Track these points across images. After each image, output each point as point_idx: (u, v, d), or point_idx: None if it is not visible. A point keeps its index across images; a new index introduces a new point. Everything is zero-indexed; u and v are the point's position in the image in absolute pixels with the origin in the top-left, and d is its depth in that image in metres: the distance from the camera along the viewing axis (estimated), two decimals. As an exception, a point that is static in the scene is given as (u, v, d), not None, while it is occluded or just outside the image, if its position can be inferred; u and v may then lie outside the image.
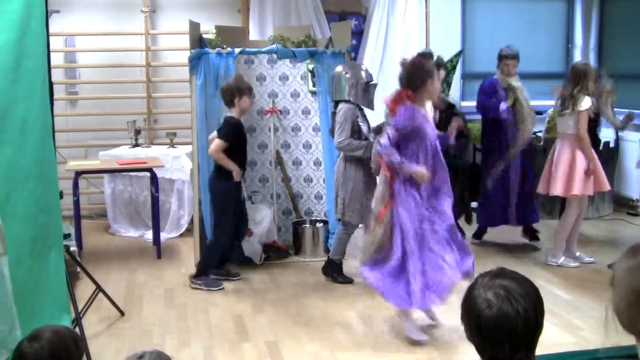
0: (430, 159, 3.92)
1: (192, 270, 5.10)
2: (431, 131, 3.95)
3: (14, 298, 2.80)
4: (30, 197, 3.13)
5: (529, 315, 1.52)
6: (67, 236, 4.63)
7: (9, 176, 2.99)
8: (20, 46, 3.07)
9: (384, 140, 3.90)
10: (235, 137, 4.84)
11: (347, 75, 4.89)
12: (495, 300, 1.53)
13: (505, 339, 1.51)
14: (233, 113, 4.86)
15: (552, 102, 5.57)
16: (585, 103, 4.97)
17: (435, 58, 4.92)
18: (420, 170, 3.84)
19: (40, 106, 3.28)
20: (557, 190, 5.10)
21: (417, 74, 3.93)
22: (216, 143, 4.79)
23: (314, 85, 5.83)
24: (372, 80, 5.00)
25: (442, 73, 4.86)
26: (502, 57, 5.60)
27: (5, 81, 2.99)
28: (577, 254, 5.36)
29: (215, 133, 4.92)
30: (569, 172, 5.05)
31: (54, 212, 3.44)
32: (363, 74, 4.97)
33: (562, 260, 5.26)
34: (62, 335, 2.09)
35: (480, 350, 1.57)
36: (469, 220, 6.05)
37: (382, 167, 4.02)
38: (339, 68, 4.99)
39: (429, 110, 4.09)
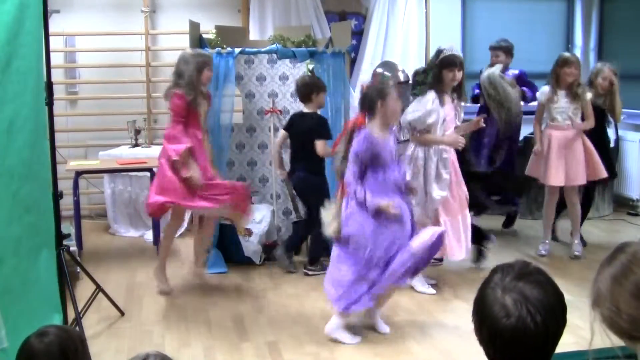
0: (388, 186, 3.88)
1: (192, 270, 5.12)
2: (390, 157, 3.90)
3: None
4: (15, 198, 3.12)
5: (549, 328, 1.39)
6: (67, 236, 4.62)
7: None
8: (11, 47, 3.06)
9: (347, 177, 3.86)
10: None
11: (389, 75, 5.18)
12: (513, 309, 1.38)
13: (520, 352, 1.39)
14: (309, 109, 5.05)
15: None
16: (538, 93, 5.44)
17: (457, 57, 4.71)
18: (384, 202, 3.78)
19: (32, 107, 3.26)
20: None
21: (367, 98, 3.93)
22: (324, 144, 4.94)
23: (314, 85, 5.83)
24: (408, 80, 5.28)
25: (459, 75, 4.67)
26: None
27: None
28: (575, 242, 5.60)
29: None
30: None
31: (44, 211, 3.43)
32: (400, 74, 5.24)
33: (544, 248, 5.59)
34: (70, 332, 2.09)
35: (489, 356, 1.45)
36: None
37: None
38: (379, 69, 5.15)
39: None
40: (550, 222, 5.64)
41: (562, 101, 5.27)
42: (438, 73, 4.63)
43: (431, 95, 4.60)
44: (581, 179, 5.34)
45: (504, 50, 6.00)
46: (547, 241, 5.59)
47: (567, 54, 5.40)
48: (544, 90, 5.34)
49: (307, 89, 5.03)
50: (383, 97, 3.87)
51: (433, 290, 4.70)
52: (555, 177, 5.29)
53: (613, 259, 1.45)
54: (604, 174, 5.39)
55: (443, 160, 4.63)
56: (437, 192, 4.58)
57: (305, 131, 5.02)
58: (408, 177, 4.43)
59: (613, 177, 6.09)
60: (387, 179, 3.88)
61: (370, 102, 3.89)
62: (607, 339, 1.43)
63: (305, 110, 5.09)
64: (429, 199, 4.59)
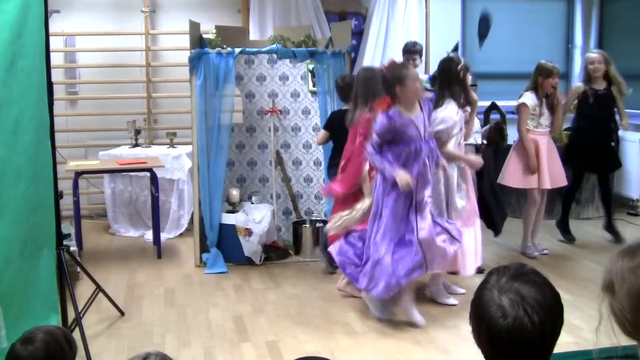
0: (414, 163, 4.02)
1: (192, 269, 5.09)
2: (416, 134, 4.01)
3: (1, 297, 2.80)
4: (22, 198, 3.13)
5: (546, 328, 1.39)
6: (67, 236, 4.62)
7: None
8: (15, 46, 3.06)
9: (368, 147, 4.06)
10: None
11: None
12: (510, 310, 1.39)
13: (517, 352, 1.40)
14: (349, 106, 4.93)
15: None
16: (523, 98, 5.34)
17: (462, 63, 4.57)
18: (402, 175, 3.93)
19: (36, 107, 3.27)
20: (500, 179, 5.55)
21: (386, 81, 4.04)
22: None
23: (314, 85, 5.84)
24: None
25: (469, 79, 4.59)
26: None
27: None
28: (536, 243, 5.66)
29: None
30: (509, 163, 5.49)
31: (47, 211, 3.43)
32: None
33: (529, 250, 5.59)
34: (56, 335, 2.09)
35: (488, 357, 1.46)
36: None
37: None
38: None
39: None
40: (532, 226, 5.62)
41: (545, 108, 5.37)
42: (462, 81, 4.51)
43: (454, 105, 4.46)
44: (563, 181, 5.47)
45: (420, 54, 5.81)
46: (530, 244, 5.61)
47: (549, 65, 5.32)
48: (531, 96, 5.33)
49: (348, 89, 4.88)
50: (401, 82, 3.96)
51: (455, 301, 4.53)
52: (548, 181, 5.36)
53: (634, 254, 1.42)
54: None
55: (461, 170, 4.55)
56: (459, 202, 4.50)
57: (343, 127, 4.88)
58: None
59: (618, 168, 6.20)
60: (411, 155, 4.01)
61: (389, 87, 3.99)
62: (610, 329, 1.43)
63: (345, 107, 4.99)
64: (452, 209, 4.48)
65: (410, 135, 4.00)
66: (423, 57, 6.69)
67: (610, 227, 5.97)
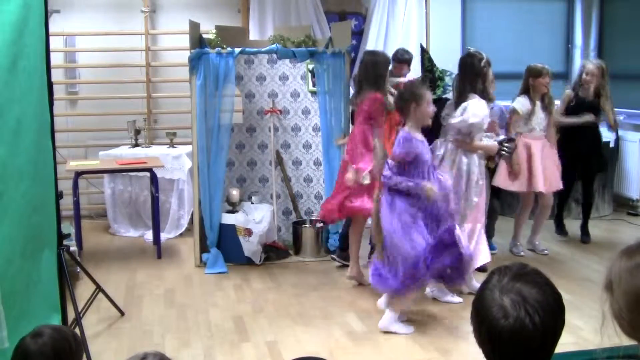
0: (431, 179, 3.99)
1: (192, 269, 5.11)
2: (428, 157, 4.00)
3: (3, 298, 2.80)
4: (24, 198, 3.12)
5: (548, 328, 1.40)
6: (67, 236, 4.62)
7: (1, 177, 2.99)
8: (16, 46, 3.06)
9: (386, 172, 3.98)
10: None
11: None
12: (511, 310, 1.39)
13: (519, 353, 1.40)
14: None
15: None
16: (515, 103, 5.35)
17: (485, 58, 4.63)
18: (428, 185, 3.88)
19: (37, 107, 3.27)
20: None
21: (402, 99, 4.00)
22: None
23: (314, 85, 5.84)
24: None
25: (491, 73, 4.67)
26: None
27: None
28: (536, 243, 5.70)
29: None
30: (502, 166, 5.42)
31: (49, 211, 3.43)
32: None
33: (518, 249, 5.63)
34: (64, 332, 2.11)
35: (489, 357, 1.46)
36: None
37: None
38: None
39: None
40: (522, 227, 5.65)
41: (539, 112, 5.35)
42: (485, 77, 4.54)
43: (482, 100, 4.49)
44: (558, 185, 5.45)
45: (409, 64, 5.77)
46: (518, 243, 5.65)
47: (539, 65, 5.32)
48: (522, 101, 5.33)
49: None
50: (418, 101, 3.94)
51: (460, 299, 4.51)
52: (542, 184, 5.34)
53: (634, 254, 1.43)
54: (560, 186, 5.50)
55: (481, 165, 4.61)
56: (474, 198, 4.56)
57: None
58: (450, 181, 4.29)
59: (603, 171, 6.16)
60: (425, 174, 3.97)
61: (404, 103, 3.96)
62: (613, 328, 1.43)
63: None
64: (468, 205, 4.53)
65: (424, 159, 3.95)
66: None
67: (584, 229, 6.05)
